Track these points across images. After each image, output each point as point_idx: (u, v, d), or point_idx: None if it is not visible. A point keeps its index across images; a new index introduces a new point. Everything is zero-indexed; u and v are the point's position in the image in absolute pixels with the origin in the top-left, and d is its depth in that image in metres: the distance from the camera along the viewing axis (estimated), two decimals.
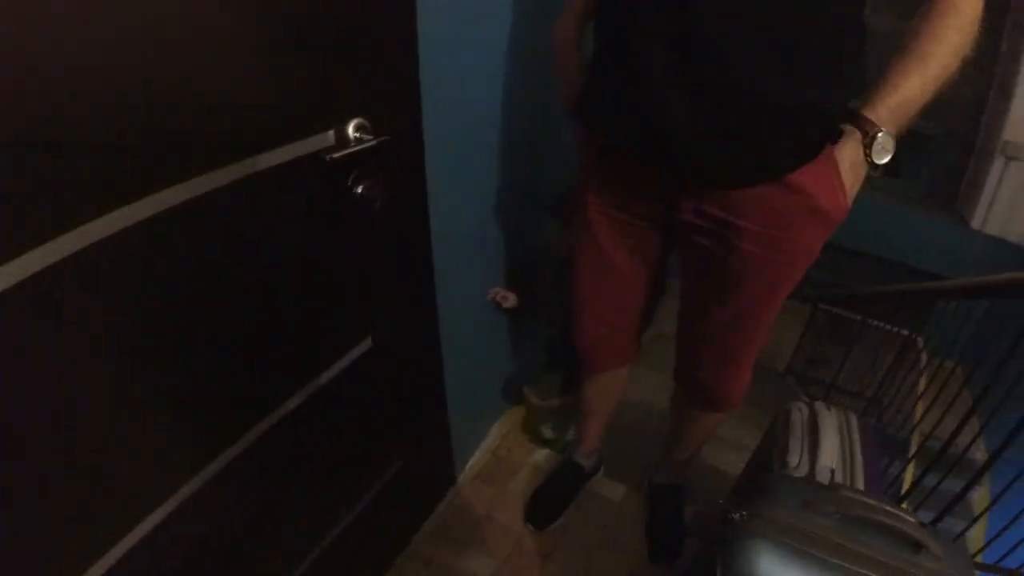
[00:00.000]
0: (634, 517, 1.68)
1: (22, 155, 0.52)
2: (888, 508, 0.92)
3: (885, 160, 0.89)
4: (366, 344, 1.12)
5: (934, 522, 1.52)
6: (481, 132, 1.34)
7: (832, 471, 1.13)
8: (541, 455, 1.86)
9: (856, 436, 1.27)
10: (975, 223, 4.09)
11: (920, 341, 3.19)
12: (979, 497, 2.45)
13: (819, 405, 1.30)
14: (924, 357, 3.18)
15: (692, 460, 1.55)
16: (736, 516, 0.88)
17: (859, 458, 1.21)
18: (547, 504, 1.65)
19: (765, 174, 0.91)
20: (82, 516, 0.70)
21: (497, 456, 1.83)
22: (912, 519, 0.91)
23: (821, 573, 0.83)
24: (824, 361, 3.40)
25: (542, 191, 1.59)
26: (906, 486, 1.99)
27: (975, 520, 1.63)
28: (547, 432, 1.85)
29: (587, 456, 1.71)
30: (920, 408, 2.16)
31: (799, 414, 1.27)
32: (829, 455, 1.18)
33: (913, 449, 2.25)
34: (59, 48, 0.53)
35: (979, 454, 2.38)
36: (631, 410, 1.95)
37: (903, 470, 2.16)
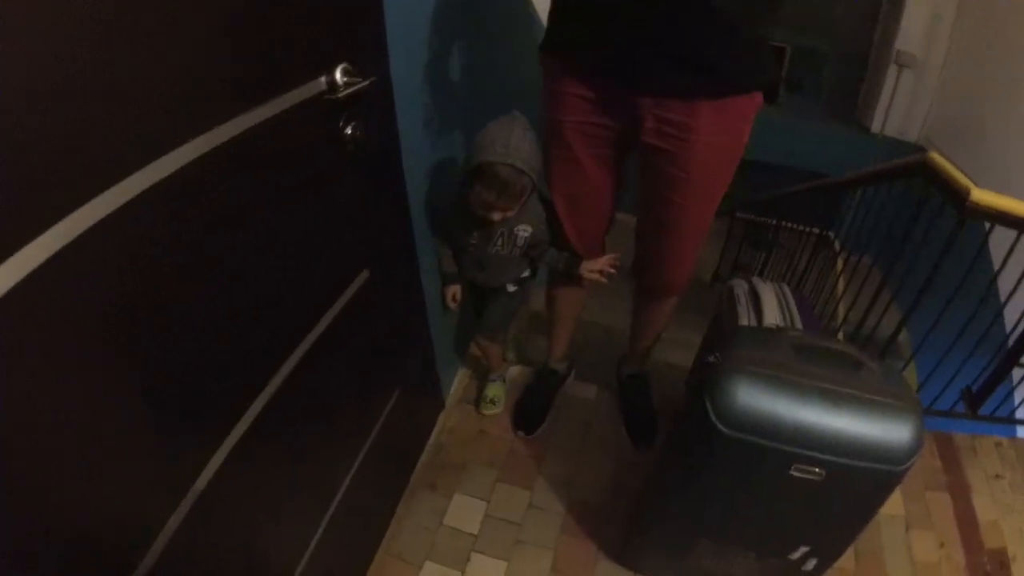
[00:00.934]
0: (609, 410, 1.94)
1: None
2: (831, 339, 1.19)
3: None
4: (365, 275, 1.27)
5: None
6: (444, 73, 1.49)
7: (777, 325, 1.39)
8: (515, 370, 2.08)
9: (791, 300, 1.53)
10: (875, 127, 4.51)
11: (833, 236, 3.58)
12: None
13: (756, 279, 1.57)
14: (839, 252, 3.59)
15: (651, 349, 1.82)
16: (712, 359, 1.11)
17: (797, 316, 1.47)
18: (531, 410, 1.87)
19: (710, 93, 1.18)
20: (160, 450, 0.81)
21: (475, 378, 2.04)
22: (852, 347, 1.17)
23: (789, 390, 1.06)
24: (747, 267, 3.76)
25: None
26: None
27: (907, 363, 2.07)
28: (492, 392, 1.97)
29: (560, 361, 1.95)
30: (843, 306, 2.43)
31: (740, 287, 1.54)
32: (772, 314, 1.44)
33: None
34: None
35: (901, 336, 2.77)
36: (590, 328, 2.21)
37: None
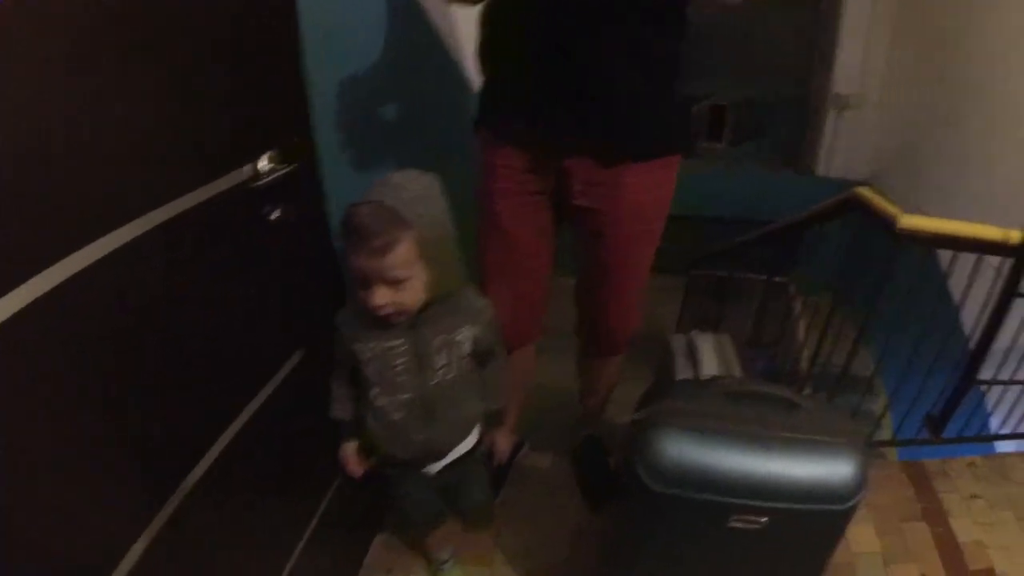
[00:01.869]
0: (566, 478, 1.95)
1: None
2: (761, 383, 1.24)
3: None
4: (299, 355, 1.31)
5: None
6: (376, 151, 1.58)
7: (713, 376, 1.45)
8: None
9: (731, 351, 1.60)
10: (821, 170, 4.72)
11: (791, 284, 3.71)
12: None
13: (694, 332, 1.64)
14: (798, 300, 3.71)
15: (602, 409, 1.86)
16: (639, 416, 1.16)
17: (736, 363, 1.54)
18: None
19: (633, 156, 1.30)
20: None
21: None
22: (783, 388, 1.21)
23: (718, 439, 1.10)
24: (708, 321, 3.85)
25: None
26: None
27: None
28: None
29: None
30: (806, 352, 2.49)
31: (678, 341, 1.60)
32: (710, 365, 1.50)
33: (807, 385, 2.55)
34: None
35: (864, 370, 2.85)
36: (540, 393, 2.23)
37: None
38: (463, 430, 1.28)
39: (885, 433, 2.32)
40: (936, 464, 2.04)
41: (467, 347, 1.17)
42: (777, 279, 3.52)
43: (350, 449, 1.32)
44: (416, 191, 1.02)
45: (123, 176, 0.84)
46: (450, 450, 1.28)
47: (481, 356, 1.23)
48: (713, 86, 4.84)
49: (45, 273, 0.72)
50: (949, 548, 1.75)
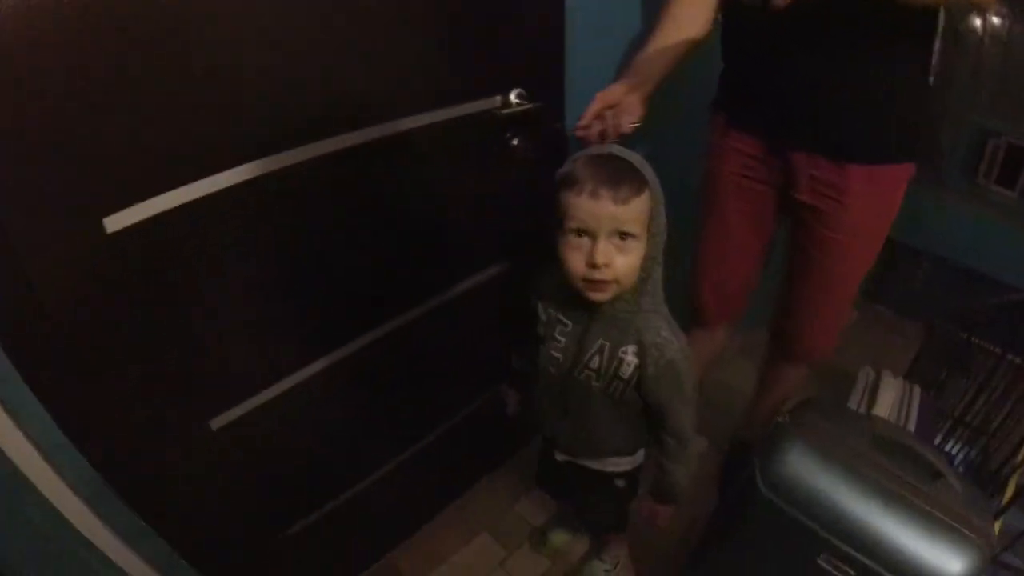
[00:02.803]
0: (710, 470, 1.97)
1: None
2: (918, 439, 1.15)
3: None
4: (497, 268, 1.49)
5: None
6: None
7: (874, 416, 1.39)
8: None
9: (915, 403, 1.51)
10: None
11: None
12: None
13: (886, 373, 1.56)
14: None
15: (770, 419, 1.82)
16: (781, 419, 1.17)
17: (913, 418, 1.46)
18: None
19: (860, 159, 1.27)
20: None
21: None
22: (938, 454, 1.12)
23: (843, 473, 1.06)
24: (933, 385, 3.48)
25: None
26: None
27: None
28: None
29: None
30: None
31: (865, 376, 1.54)
32: (884, 409, 1.44)
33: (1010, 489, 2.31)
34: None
35: None
36: (729, 392, 2.26)
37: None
38: (591, 447, 1.23)
39: None
40: None
41: (628, 371, 1.05)
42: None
43: (511, 394, 1.38)
44: (640, 159, 0.98)
45: (396, 83, 1.10)
46: (575, 456, 1.26)
47: (650, 407, 1.11)
48: (1013, 123, 4.21)
49: (329, 140, 1.03)
50: None
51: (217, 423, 1.09)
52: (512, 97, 1.29)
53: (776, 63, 1.25)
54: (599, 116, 1.18)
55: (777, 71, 1.26)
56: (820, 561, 1.07)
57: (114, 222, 0.83)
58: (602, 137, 1.16)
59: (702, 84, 1.46)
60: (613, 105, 1.20)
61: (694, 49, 1.34)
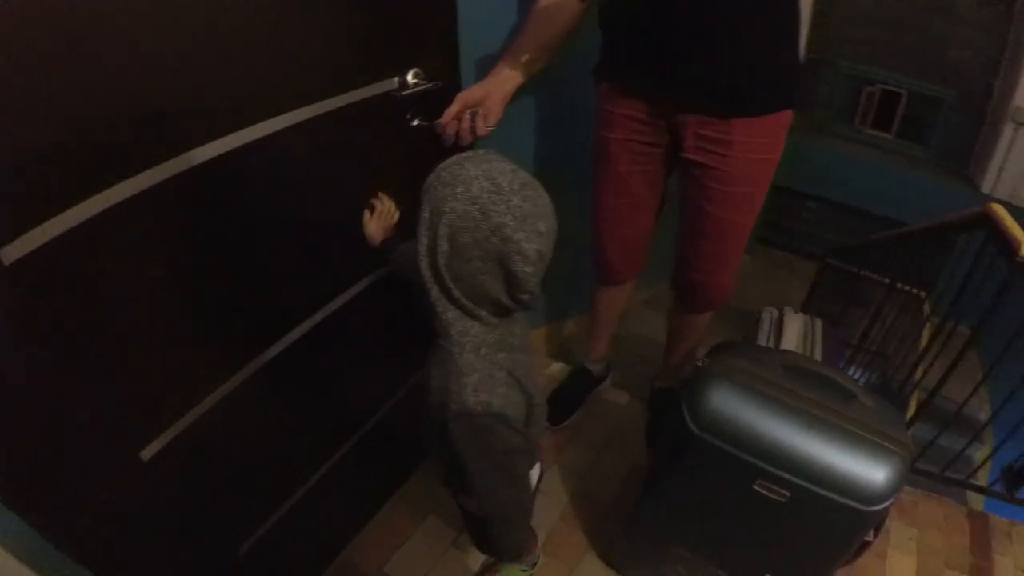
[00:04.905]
0: (636, 420, 2.04)
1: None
2: (826, 365, 1.22)
3: None
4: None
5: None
6: None
7: (783, 350, 1.46)
8: (556, 368, 2.23)
9: (819, 335, 1.60)
10: (985, 187, 4.34)
11: (924, 296, 3.47)
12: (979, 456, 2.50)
13: (788, 309, 1.64)
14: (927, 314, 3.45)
15: (684, 365, 1.91)
16: (699, 362, 1.22)
17: (819, 349, 1.55)
18: (561, 404, 2.01)
19: (745, 112, 1.32)
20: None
21: None
22: (848, 378, 1.20)
23: (765, 405, 1.11)
24: (829, 314, 3.70)
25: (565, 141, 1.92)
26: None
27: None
28: None
29: (596, 363, 2.08)
30: (921, 369, 2.31)
31: (769, 315, 1.62)
32: (791, 342, 1.52)
33: (912, 407, 2.35)
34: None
35: (982, 414, 2.65)
36: (639, 343, 2.34)
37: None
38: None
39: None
40: (1005, 524, 1.91)
41: None
42: (911, 291, 3.32)
43: None
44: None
45: (293, 72, 1.04)
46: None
47: None
48: (887, 72, 4.51)
49: (237, 133, 0.97)
50: None
51: (148, 453, 1.00)
52: (409, 78, 1.26)
53: (659, 31, 1.28)
54: (458, 117, 1.24)
55: (659, 38, 1.29)
56: (756, 487, 1.12)
57: (8, 254, 0.75)
58: (458, 138, 1.24)
59: (586, 53, 1.49)
60: (474, 105, 1.25)
61: (564, 42, 1.37)
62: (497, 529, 1.00)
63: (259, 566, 1.34)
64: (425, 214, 0.77)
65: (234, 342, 1.13)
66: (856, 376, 2.24)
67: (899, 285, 2.89)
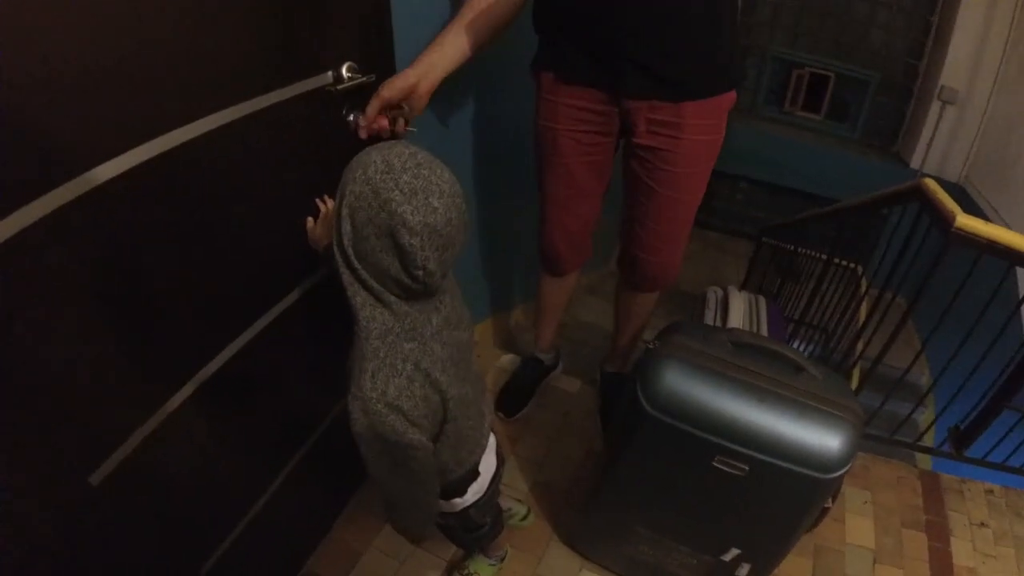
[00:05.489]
0: (589, 406, 2.05)
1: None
2: (772, 340, 1.24)
3: None
4: None
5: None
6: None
7: (730, 328, 1.48)
8: (506, 360, 2.22)
9: (763, 311, 1.63)
10: (914, 163, 4.52)
11: (861, 270, 3.58)
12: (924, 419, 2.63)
13: (731, 288, 1.67)
14: (864, 287, 3.56)
15: (632, 348, 1.93)
16: (650, 344, 1.22)
17: (764, 324, 1.57)
18: (514, 395, 2.01)
19: (695, 95, 1.34)
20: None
21: None
22: (795, 351, 1.22)
23: (718, 383, 1.13)
24: (767, 292, 3.80)
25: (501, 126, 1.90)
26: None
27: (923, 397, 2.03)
28: None
29: (546, 352, 2.08)
30: (861, 342, 2.39)
31: (714, 294, 1.64)
32: (737, 319, 1.54)
33: (856, 378, 2.42)
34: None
35: (923, 379, 2.74)
36: (585, 329, 2.34)
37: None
38: None
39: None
40: (955, 481, 2.00)
41: None
42: (848, 264, 3.41)
43: None
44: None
45: (220, 69, 0.97)
46: None
47: None
48: (814, 54, 4.64)
49: (148, 144, 0.87)
50: (942, 566, 1.73)
51: (96, 478, 0.94)
52: (344, 71, 1.22)
53: (602, 19, 1.27)
54: (381, 112, 1.22)
55: (604, 27, 1.28)
56: (716, 464, 1.14)
57: None
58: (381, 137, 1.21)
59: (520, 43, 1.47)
60: (399, 99, 1.23)
61: (498, 34, 1.34)
62: (389, 511, 1.06)
63: None
64: (336, 201, 0.81)
65: (172, 359, 1.07)
66: (800, 349, 2.30)
67: (836, 260, 2.99)
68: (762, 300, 1.67)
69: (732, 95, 1.39)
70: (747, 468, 1.12)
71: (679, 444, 1.15)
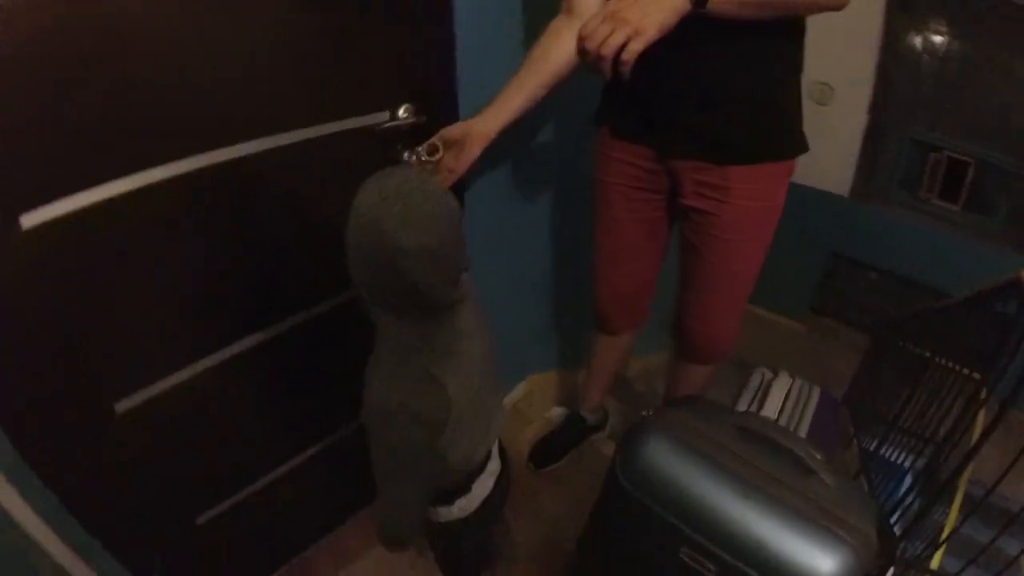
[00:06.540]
0: None
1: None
2: (788, 433, 1.11)
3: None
4: None
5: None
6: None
7: (745, 412, 1.37)
8: (555, 412, 2.18)
9: (812, 404, 1.51)
10: None
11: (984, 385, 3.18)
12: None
13: (782, 373, 1.56)
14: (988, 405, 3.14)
15: None
16: (646, 413, 1.16)
17: (807, 420, 1.45)
18: (548, 447, 1.98)
19: (742, 160, 1.30)
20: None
21: (517, 409, 2.16)
22: (812, 449, 1.07)
23: (701, 465, 1.03)
24: (883, 396, 3.47)
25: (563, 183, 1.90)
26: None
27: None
28: None
29: (591, 411, 2.03)
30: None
31: (759, 377, 1.54)
32: (771, 411, 1.43)
33: (959, 496, 2.13)
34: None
35: None
36: (637, 391, 2.28)
37: (944, 515, 2.11)
38: None
39: None
40: None
41: None
42: (966, 371, 3.07)
43: None
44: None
45: (280, 98, 1.14)
46: None
47: None
48: (952, 139, 4.26)
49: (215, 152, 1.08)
50: None
51: (122, 407, 1.11)
52: (400, 112, 1.31)
53: (654, 77, 1.28)
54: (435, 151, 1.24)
55: (655, 85, 1.28)
56: (682, 556, 1.03)
57: (30, 219, 0.89)
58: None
59: (588, 97, 1.49)
60: (453, 142, 1.26)
61: (558, 85, 1.35)
62: (380, 509, 1.10)
63: (212, 541, 1.40)
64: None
65: (221, 321, 1.23)
66: (894, 458, 2.04)
67: (950, 364, 2.67)
68: (816, 391, 1.55)
69: (789, 164, 1.34)
70: (715, 569, 1.00)
71: (648, 525, 1.06)
